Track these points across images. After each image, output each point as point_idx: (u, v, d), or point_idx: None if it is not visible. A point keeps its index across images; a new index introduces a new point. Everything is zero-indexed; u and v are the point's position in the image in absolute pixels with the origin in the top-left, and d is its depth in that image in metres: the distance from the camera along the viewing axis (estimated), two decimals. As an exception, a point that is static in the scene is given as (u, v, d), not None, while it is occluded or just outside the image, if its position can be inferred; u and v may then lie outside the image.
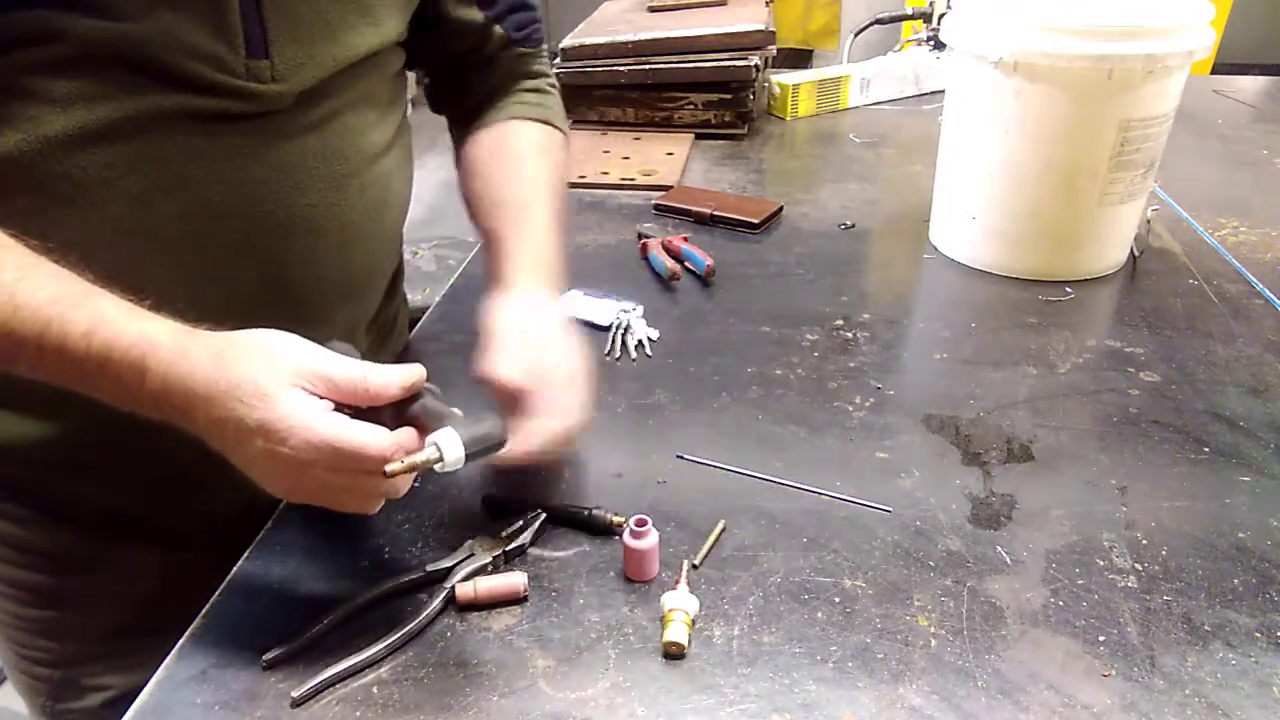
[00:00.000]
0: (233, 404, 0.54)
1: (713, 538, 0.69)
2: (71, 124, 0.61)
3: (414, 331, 1.00)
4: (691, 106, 1.56)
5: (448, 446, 0.56)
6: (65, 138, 0.61)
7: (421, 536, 0.70)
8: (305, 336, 0.75)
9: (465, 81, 0.91)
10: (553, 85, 0.96)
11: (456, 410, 0.60)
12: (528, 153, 0.87)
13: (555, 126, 0.92)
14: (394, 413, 0.60)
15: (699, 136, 1.56)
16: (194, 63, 0.63)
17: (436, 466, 0.56)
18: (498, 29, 0.88)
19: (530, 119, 0.89)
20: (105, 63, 0.61)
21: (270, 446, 0.54)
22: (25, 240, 0.58)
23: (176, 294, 0.63)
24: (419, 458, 0.56)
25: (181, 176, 0.65)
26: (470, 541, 0.68)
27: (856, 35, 2.22)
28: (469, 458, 0.57)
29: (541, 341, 0.71)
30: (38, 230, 0.59)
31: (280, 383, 0.55)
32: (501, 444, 0.60)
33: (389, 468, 0.55)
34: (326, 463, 0.54)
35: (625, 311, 0.98)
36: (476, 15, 0.86)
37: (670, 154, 1.47)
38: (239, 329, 0.58)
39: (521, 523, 0.69)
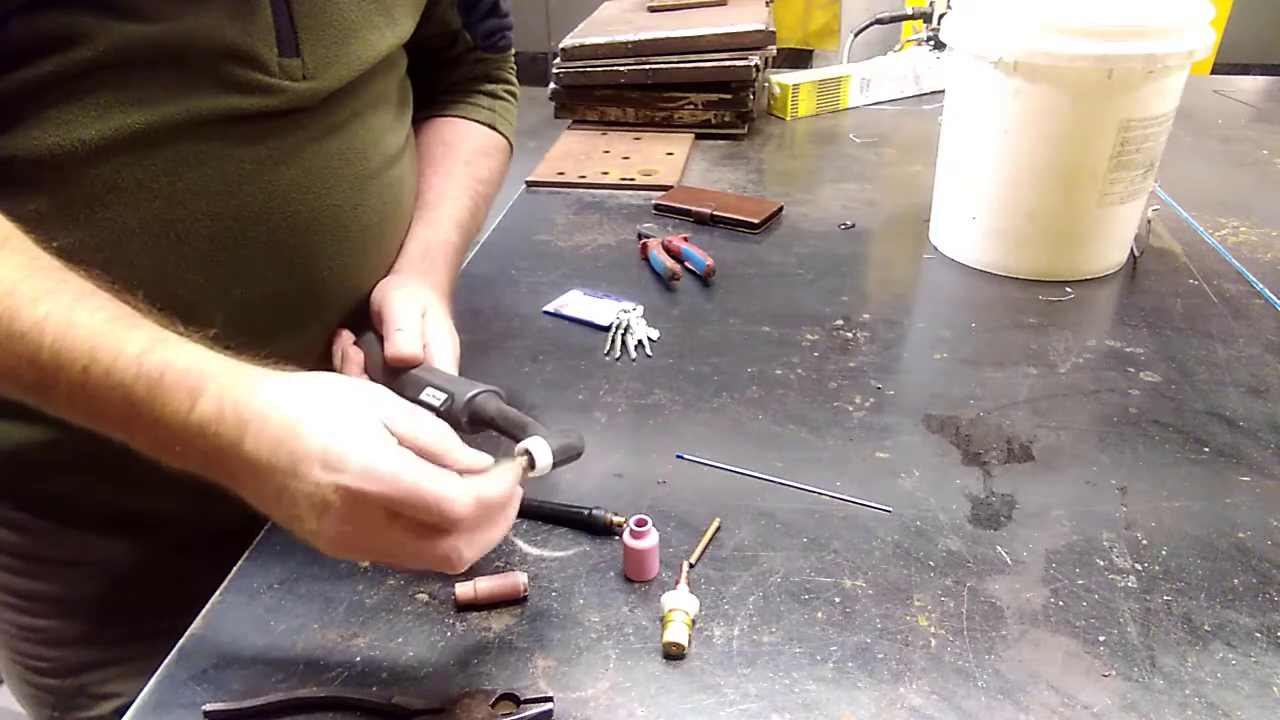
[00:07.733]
0: (296, 431, 0.50)
1: (708, 536, 0.69)
2: (107, 129, 0.61)
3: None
4: (691, 106, 1.56)
5: (539, 453, 0.56)
6: (100, 141, 0.61)
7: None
8: (323, 334, 0.76)
9: (429, 76, 0.94)
10: (511, 92, 1.00)
11: (529, 418, 0.61)
12: (460, 152, 0.91)
13: (500, 132, 0.96)
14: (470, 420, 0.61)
15: (699, 136, 1.56)
16: (229, 62, 0.64)
17: (529, 474, 0.56)
18: (466, 34, 0.93)
19: (477, 121, 0.95)
20: (142, 66, 0.61)
21: (331, 479, 0.49)
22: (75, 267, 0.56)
23: (203, 294, 0.62)
24: (514, 467, 0.55)
25: (213, 178, 0.66)
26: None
27: (856, 35, 2.22)
28: (555, 465, 0.57)
29: (427, 327, 0.73)
30: (64, 232, 0.58)
31: (361, 417, 0.52)
32: (581, 453, 0.59)
33: (482, 476, 0.53)
34: (391, 504, 0.50)
35: (625, 311, 0.98)
36: (456, 21, 0.91)
37: (670, 154, 1.47)
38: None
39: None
